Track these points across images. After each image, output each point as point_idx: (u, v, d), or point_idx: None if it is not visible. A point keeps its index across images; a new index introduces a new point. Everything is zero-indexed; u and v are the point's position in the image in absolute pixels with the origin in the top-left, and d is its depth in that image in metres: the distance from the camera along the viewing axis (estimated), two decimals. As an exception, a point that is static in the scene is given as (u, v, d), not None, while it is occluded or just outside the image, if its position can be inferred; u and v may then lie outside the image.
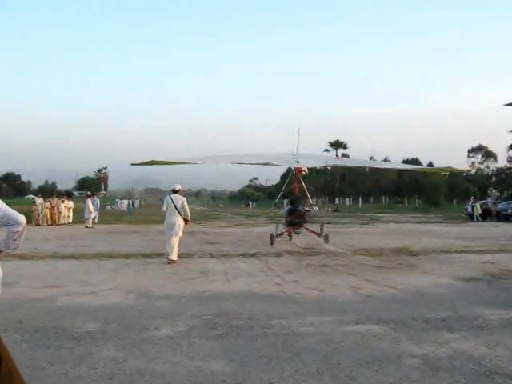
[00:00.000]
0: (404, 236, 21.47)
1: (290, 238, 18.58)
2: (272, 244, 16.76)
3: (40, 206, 30.19)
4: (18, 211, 3.80)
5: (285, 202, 32.15)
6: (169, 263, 12.41)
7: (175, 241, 12.89)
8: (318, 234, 17.71)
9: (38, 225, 29.32)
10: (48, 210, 30.58)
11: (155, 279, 9.90)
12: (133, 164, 18.14)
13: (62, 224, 30.65)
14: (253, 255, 14.17)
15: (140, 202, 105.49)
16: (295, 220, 17.72)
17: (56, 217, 31.04)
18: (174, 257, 12.69)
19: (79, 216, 31.31)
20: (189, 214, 13.47)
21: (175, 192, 13.49)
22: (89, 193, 36.23)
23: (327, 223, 32.77)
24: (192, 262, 12.82)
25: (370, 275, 10.53)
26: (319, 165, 13.08)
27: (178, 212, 13.12)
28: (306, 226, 17.95)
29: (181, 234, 13.27)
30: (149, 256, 13.84)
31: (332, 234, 21.59)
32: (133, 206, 70.34)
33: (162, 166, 19.08)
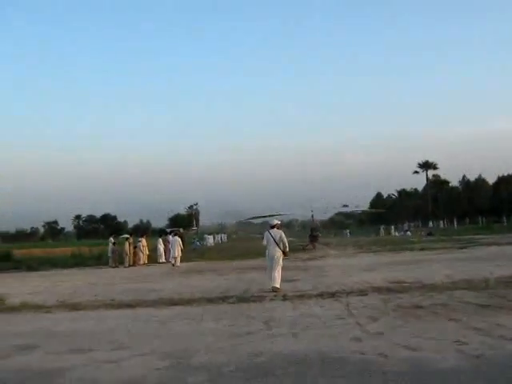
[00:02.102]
0: (509, 261, 18.46)
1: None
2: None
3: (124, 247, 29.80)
4: None
5: None
6: (274, 291, 13.39)
7: (277, 271, 14.02)
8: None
9: (116, 266, 28.79)
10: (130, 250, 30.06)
11: (205, 335, 8.07)
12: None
13: (141, 264, 29.83)
14: (333, 295, 12.05)
15: (228, 236, 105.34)
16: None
17: (137, 257, 30.36)
18: (278, 284, 13.76)
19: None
20: (287, 246, 14.59)
21: (272, 227, 14.66)
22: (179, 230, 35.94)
23: (420, 249, 30.17)
24: (259, 307, 10.93)
25: (477, 320, 8.15)
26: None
27: (277, 245, 14.24)
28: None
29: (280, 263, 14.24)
30: (212, 301, 12.10)
31: (425, 263, 19.20)
32: (202, 242, 65.04)
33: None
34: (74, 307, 12.13)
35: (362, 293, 12.17)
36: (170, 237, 31.06)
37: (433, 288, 12.29)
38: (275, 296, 12.49)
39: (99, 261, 32.19)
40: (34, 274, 26.66)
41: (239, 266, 24.36)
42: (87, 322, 9.93)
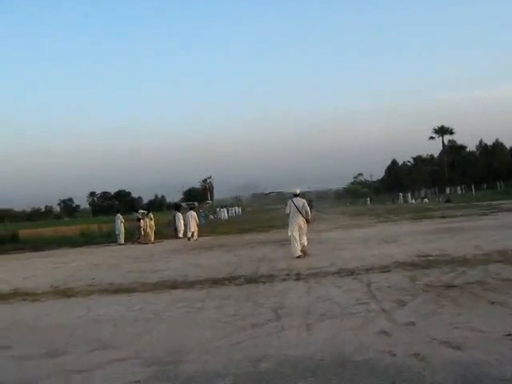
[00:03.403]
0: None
1: None
2: None
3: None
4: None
5: None
6: (299, 257, 14.18)
7: (304, 238, 14.72)
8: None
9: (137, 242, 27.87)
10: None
11: (203, 329, 6.82)
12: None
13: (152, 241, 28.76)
14: (351, 272, 10.75)
15: (242, 209, 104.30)
16: None
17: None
18: (306, 243, 14.74)
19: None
20: (310, 214, 15.21)
21: (296, 196, 15.16)
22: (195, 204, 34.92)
23: (441, 217, 28.67)
24: (269, 289, 9.65)
25: (527, 302, 6.87)
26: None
27: (300, 213, 14.71)
28: None
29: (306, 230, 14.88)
30: (217, 283, 10.89)
31: (449, 233, 17.85)
32: (207, 216, 61.43)
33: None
34: (66, 294, 11.00)
35: (384, 269, 10.86)
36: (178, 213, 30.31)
37: (463, 262, 10.94)
38: (287, 275, 11.22)
39: (109, 238, 31.20)
40: (38, 254, 25.69)
41: (251, 240, 23.14)
42: (73, 313, 8.73)
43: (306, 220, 14.88)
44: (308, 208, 15.03)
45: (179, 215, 30.33)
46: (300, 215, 14.72)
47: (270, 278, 11.03)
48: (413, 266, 11.08)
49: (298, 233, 14.55)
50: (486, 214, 27.76)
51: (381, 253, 13.76)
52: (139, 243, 27.63)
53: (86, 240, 31.44)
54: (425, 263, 11.26)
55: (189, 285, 10.95)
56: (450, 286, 8.37)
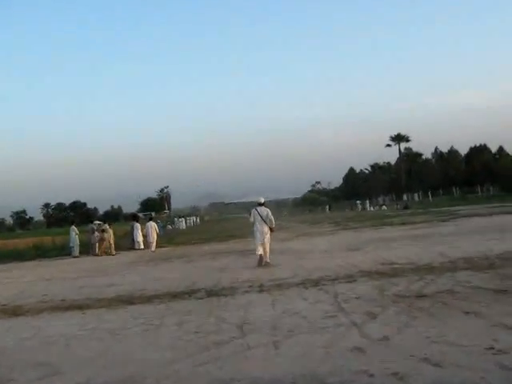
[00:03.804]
0: (502, 234, 17.01)
1: None
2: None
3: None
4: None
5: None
6: (264, 265, 14.40)
7: (267, 246, 14.83)
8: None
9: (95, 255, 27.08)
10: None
11: (162, 349, 6.29)
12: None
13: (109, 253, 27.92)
14: (316, 283, 10.36)
15: (201, 218, 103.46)
16: None
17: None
18: (268, 259, 14.72)
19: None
20: (274, 222, 15.29)
21: (260, 205, 15.27)
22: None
23: (401, 224, 28.72)
24: (231, 303, 9.18)
25: (500, 311, 6.58)
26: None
27: (264, 222, 14.87)
28: None
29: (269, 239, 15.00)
30: (176, 297, 10.34)
31: (411, 240, 17.79)
32: (165, 226, 56.31)
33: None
34: (14, 312, 10.24)
35: (350, 279, 10.54)
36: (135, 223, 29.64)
37: (430, 270, 10.73)
38: (250, 287, 10.77)
39: (63, 250, 30.07)
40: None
41: (211, 250, 22.58)
42: (21, 334, 8.04)
43: (271, 229, 15.00)
44: (272, 217, 15.14)
45: (137, 225, 29.57)
46: (264, 224, 14.86)
47: (232, 290, 10.55)
48: (379, 274, 10.80)
49: (262, 240, 14.70)
50: (445, 221, 28.01)
51: (345, 262, 13.46)
52: (105, 254, 26.93)
53: (39, 253, 30.19)
54: (391, 272, 11.00)
55: (147, 300, 10.37)
56: (420, 296, 8.08)
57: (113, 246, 27.89)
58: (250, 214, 15.61)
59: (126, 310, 9.52)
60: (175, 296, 10.45)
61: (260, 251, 14.63)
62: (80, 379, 5.33)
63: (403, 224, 28.50)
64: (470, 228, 21.22)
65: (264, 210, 15.04)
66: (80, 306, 10.26)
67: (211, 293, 10.44)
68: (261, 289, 10.39)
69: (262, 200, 15.60)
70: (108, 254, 27.02)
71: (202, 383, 4.86)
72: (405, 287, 9.00)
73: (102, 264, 21.28)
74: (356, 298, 8.48)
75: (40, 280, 16.56)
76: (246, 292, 10.20)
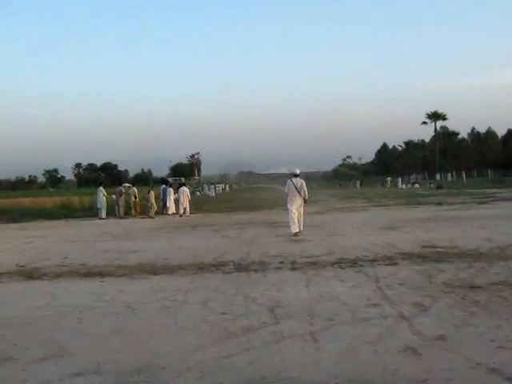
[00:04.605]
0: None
1: None
2: None
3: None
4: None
5: None
6: (296, 235, 14.40)
7: (302, 218, 14.95)
8: None
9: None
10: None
11: (184, 332, 5.58)
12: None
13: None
14: (353, 263, 9.55)
15: (230, 186, 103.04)
16: None
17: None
18: (302, 227, 14.84)
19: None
20: (307, 194, 15.19)
21: (296, 176, 15.28)
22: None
23: (437, 204, 27.56)
24: (262, 280, 8.44)
25: None
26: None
27: (299, 193, 14.83)
28: None
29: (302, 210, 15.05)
30: (203, 269, 9.65)
31: (451, 221, 16.79)
32: (194, 192, 55.68)
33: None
34: (31, 275, 9.70)
35: (391, 261, 9.69)
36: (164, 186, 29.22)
37: (478, 256, 9.79)
38: (281, 263, 10.02)
39: (90, 212, 29.73)
40: (13, 226, 24.24)
41: (239, 220, 21.86)
42: (34, 302, 7.44)
43: (304, 200, 14.97)
44: (306, 188, 15.08)
45: (170, 190, 29.04)
46: (298, 195, 14.82)
47: (262, 265, 9.82)
48: (421, 258, 9.92)
49: (297, 212, 14.72)
50: (483, 203, 26.75)
51: (382, 241, 12.60)
52: (145, 216, 26.72)
53: (66, 213, 29.93)
54: (434, 256, 10.11)
55: (170, 270, 9.71)
56: (473, 287, 7.19)
57: (155, 208, 27.51)
58: (285, 184, 15.80)
59: (147, 280, 8.87)
60: (201, 268, 9.76)
61: (294, 229, 14.52)
62: (88, 364, 4.64)
63: (439, 204, 27.34)
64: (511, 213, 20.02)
65: (299, 181, 15.00)
66: (100, 273, 9.67)
67: (240, 267, 9.73)
68: (293, 266, 9.62)
69: (298, 171, 15.67)
70: (149, 216, 26.59)
71: (229, 381, 4.11)
72: (453, 275, 8.12)
73: (128, 227, 20.78)
74: (400, 284, 7.64)
75: (63, 241, 16.08)
76: (278, 269, 9.45)
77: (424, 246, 11.41)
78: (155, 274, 9.35)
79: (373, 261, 9.78)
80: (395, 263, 9.45)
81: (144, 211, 27.28)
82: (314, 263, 9.78)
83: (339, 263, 9.66)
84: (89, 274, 9.70)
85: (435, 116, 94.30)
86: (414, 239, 12.73)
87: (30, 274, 9.81)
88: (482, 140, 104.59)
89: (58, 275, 9.61)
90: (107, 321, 6.21)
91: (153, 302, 7.09)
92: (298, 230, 14.50)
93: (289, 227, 14.80)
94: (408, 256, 10.17)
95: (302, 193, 14.84)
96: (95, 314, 6.57)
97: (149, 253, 12.34)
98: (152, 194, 27.31)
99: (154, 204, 27.34)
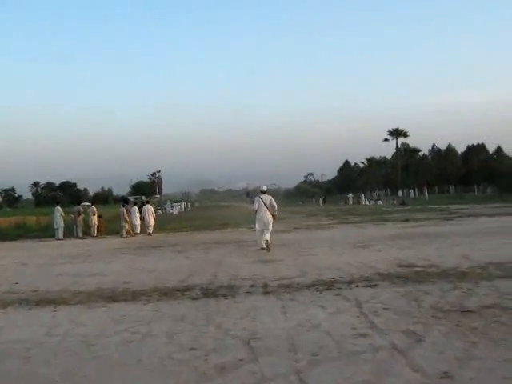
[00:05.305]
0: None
1: None
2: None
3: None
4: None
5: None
6: (263, 249, 14.77)
7: (269, 234, 15.20)
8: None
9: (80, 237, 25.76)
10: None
11: (147, 374, 4.80)
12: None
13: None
14: (330, 286, 8.88)
15: (192, 204, 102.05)
16: None
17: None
18: (269, 247, 14.81)
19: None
20: (276, 209, 15.50)
21: (263, 192, 15.71)
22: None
23: (405, 220, 27.26)
24: (233, 306, 7.68)
25: None
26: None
27: (268, 209, 15.17)
28: None
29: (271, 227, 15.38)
30: (167, 295, 8.83)
31: (423, 238, 16.39)
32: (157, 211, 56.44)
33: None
34: (-25, 305, 8.73)
35: (369, 282, 9.08)
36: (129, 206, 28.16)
37: (461, 276, 9.28)
38: (252, 286, 9.28)
39: (46, 232, 28.43)
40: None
41: (204, 239, 21.00)
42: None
43: (273, 216, 15.33)
44: (275, 204, 15.46)
45: (135, 209, 27.99)
46: (268, 211, 15.23)
47: (231, 289, 9.06)
48: (401, 278, 9.35)
49: (264, 228, 15.12)
50: (450, 219, 26.63)
51: (355, 260, 12.00)
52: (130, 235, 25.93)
53: (21, 233, 28.58)
54: (414, 276, 9.55)
55: (132, 296, 8.85)
56: (465, 312, 6.61)
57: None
58: (254, 202, 15.99)
59: (106, 309, 8.00)
60: (165, 293, 8.94)
61: (261, 245, 14.98)
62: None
63: (406, 220, 27.07)
64: (481, 228, 19.75)
65: (267, 198, 15.47)
66: (53, 301, 8.74)
67: (208, 292, 8.95)
68: (266, 290, 8.90)
69: (265, 188, 16.14)
70: (132, 235, 25.99)
71: None
72: (440, 297, 7.53)
73: (87, 249, 19.69)
74: (385, 308, 7.00)
75: (15, 264, 14.99)
76: (249, 293, 8.71)
77: (401, 266, 10.86)
78: (115, 301, 8.49)
79: (350, 282, 9.16)
80: (374, 285, 8.83)
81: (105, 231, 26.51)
82: (288, 286, 9.09)
83: (315, 285, 8.99)
84: (41, 301, 8.76)
85: (396, 133, 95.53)
86: (388, 258, 12.21)
87: (-26, 304, 8.82)
88: (443, 156, 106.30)
89: (6, 304, 8.63)
90: (58, 361, 5.35)
91: (112, 336, 6.25)
92: (263, 246, 14.87)
93: (256, 244, 15.48)
94: (387, 276, 9.58)
95: (271, 208, 15.26)
96: (45, 352, 5.71)
97: (108, 276, 11.47)
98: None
99: (127, 224, 26.35)
